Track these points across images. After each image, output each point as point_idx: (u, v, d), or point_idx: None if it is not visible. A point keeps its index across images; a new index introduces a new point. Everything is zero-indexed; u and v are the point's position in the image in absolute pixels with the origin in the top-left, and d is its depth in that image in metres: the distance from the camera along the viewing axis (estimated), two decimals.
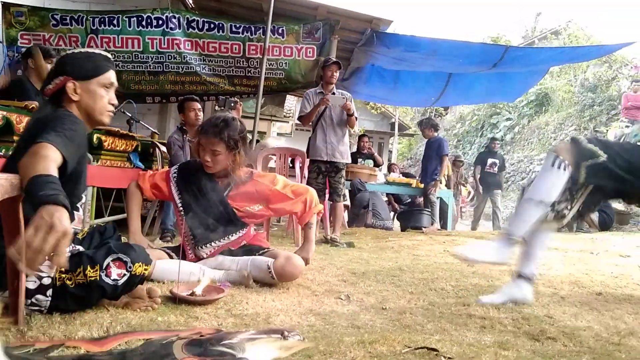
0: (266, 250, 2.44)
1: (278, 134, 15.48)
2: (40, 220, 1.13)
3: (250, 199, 2.46)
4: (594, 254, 4.21)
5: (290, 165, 5.66)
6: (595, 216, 7.69)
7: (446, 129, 22.67)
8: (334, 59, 4.84)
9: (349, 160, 4.91)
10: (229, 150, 2.37)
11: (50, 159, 1.31)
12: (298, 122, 5.23)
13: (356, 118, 4.79)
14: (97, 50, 1.79)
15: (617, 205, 9.01)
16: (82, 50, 1.76)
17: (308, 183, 4.72)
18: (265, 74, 5.95)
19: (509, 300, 2.21)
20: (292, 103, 13.68)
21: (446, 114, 23.36)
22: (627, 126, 11.00)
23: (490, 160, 9.42)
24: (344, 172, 4.83)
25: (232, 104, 4.88)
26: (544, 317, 2.04)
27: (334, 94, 4.75)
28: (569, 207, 2.22)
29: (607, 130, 12.01)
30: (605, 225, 7.60)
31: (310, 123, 4.81)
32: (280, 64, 6.53)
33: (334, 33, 6.35)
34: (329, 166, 4.70)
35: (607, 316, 2.12)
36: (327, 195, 4.86)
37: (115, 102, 1.79)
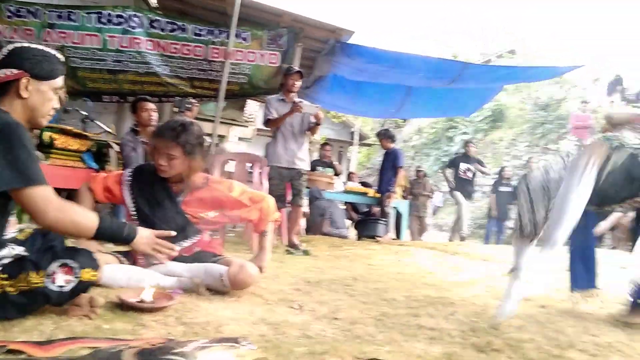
0: (220, 257, 2.41)
1: (239, 139, 15.35)
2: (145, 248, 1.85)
3: (205, 205, 2.43)
4: None
5: (249, 170, 5.62)
6: None
7: (404, 140, 23.06)
8: (297, 68, 4.86)
9: (309, 167, 4.94)
10: (185, 155, 2.33)
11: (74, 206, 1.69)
12: (260, 127, 5.23)
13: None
14: (52, 51, 1.73)
15: None
16: (39, 47, 1.70)
17: (269, 189, 4.70)
18: (228, 78, 5.91)
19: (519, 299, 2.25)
20: (253, 108, 13.60)
21: (405, 125, 23.76)
22: (575, 145, 11.54)
23: (463, 166, 8.58)
24: (306, 177, 4.85)
25: (188, 105, 4.82)
26: (490, 329, 2.11)
27: (294, 102, 4.76)
28: (530, 220, 2.30)
29: (558, 148, 12.53)
30: None
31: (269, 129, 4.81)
32: (243, 69, 6.50)
33: (297, 41, 6.38)
34: (288, 172, 4.70)
35: (549, 328, 2.21)
36: (287, 200, 4.85)
37: (58, 106, 1.75)
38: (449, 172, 8.61)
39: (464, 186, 8.47)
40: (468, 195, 8.51)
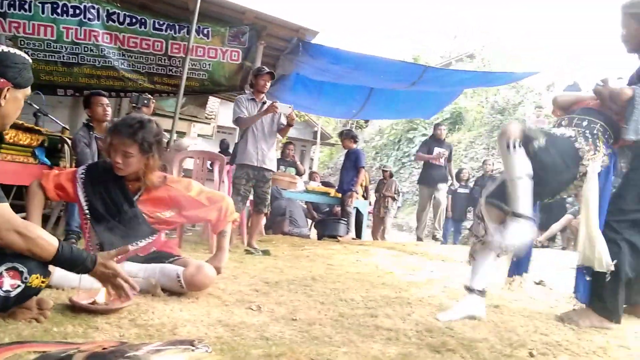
0: (177, 258, 2.37)
1: (199, 135, 15.14)
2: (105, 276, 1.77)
3: (161, 204, 2.38)
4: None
5: (209, 169, 5.55)
6: None
7: (366, 140, 23.27)
8: (267, 69, 4.82)
9: (276, 169, 4.92)
10: (142, 153, 2.28)
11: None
12: (221, 124, 5.17)
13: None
14: (27, 57, 1.65)
15: None
16: (19, 54, 1.61)
17: (234, 189, 4.66)
18: (188, 74, 5.83)
19: (465, 316, 2.30)
20: (214, 105, 13.45)
21: (366, 126, 23.97)
22: None
23: (436, 150, 7.84)
24: (271, 183, 4.82)
25: (145, 101, 4.71)
26: (445, 329, 2.15)
27: (265, 102, 4.74)
28: (483, 227, 2.35)
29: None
30: None
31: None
32: (204, 65, 6.43)
33: (260, 38, 6.35)
34: (257, 173, 4.67)
35: (502, 328, 2.26)
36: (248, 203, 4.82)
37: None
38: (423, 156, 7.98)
39: (436, 173, 7.82)
40: (442, 181, 7.93)
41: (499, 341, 2.03)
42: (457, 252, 5.68)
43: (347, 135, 7.38)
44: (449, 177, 8.44)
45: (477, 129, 16.07)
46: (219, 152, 4.84)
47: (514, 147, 2.21)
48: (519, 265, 2.68)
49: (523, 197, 2.22)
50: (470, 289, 2.39)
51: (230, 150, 9.16)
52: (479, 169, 11.98)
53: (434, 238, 8.46)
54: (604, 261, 2.30)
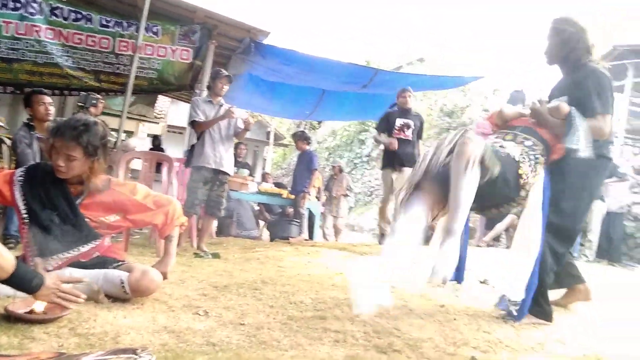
0: (121, 263, 2.30)
1: (148, 135, 14.78)
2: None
3: (106, 208, 2.30)
4: None
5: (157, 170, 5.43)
6: None
7: (319, 141, 23.36)
8: (226, 72, 4.75)
9: (232, 173, 4.87)
10: (87, 156, 2.20)
11: None
12: (171, 123, 5.07)
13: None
14: None
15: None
16: None
17: (190, 192, 4.57)
18: (136, 73, 5.68)
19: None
20: (164, 104, 13.18)
21: (319, 127, 24.07)
22: None
23: (400, 122, 5.80)
24: (227, 186, 4.76)
25: (94, 101, 4.57)
26: (392, 330, 2.19)
27: (222, 104, 4.68)
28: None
29: None
30: None
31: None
32: (153, 64, 6.29)
33: (211, 38, 6.28)
34: (214, 176, 4.60)
35: (447, 327, 2.33)
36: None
37: None
38: (384, 136, 5.85)
39: (403, 152, 5.72)
40: (409, 162, 5.64)
41: (443, 340, 2.09)
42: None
43: (300, 137, 7.40)
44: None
45: (426, 131, 16.36)
46: (151, 149, 4.71)
47: (471, 167, 2.23)
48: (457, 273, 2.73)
49: (462, 217, 2.26)
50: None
51: (163, 147, 9.00)
52: None
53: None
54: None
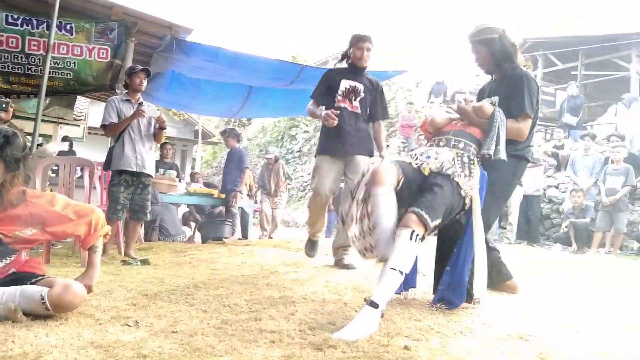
0: (40, 277, 2.16)
1: (65, 139, 14.00)
2: None
3: (21, 222, 2.14)
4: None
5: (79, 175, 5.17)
6: None
7: (249, 138, 23.17)
8: (141, 67, 4.57)
9: (154, 174, 4.69)
10: (7, 171, 2.05)
11: None
12: (92, 125, 4.83)
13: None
14: None
15: None
16: None
17: (112, 197, 4.37)
18: (50, 74, 5.37)
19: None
20: (84, 105, 12.53)
21: (249, 124, 23.87)
22: (402, 142, 12.65)
23: (346, 84, 3.88)
24: (150, 189, 4.59)
25: (3, 105, 4.27)
26: (327, 325, 2.21)
27: (141, 103, 4.50)
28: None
29: (387, 145, 13.62)
30: None
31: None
32: (68, 64, 5.95)
33: (130, 35, 6.03)
34: (136, 179, 4.42)
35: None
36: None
37: None
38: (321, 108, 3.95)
39: (346, 126, 3.81)
40: (354, 148, 3.86)
41: (377, 331, 2.13)
42: None
43: (229, 134, 7.28)
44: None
45: None
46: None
47: (417, 241, 2.27)
48: (406, 282, 2.77)
49: (392, 289, 2.29)
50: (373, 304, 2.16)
51: (75, 149, 8.59)
52: None
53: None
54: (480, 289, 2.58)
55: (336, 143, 3.82)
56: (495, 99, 2.91)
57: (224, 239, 6.49)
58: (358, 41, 3.91)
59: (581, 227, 7.43)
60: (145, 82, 4.51)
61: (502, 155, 2.64)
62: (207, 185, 8.50)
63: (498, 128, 2.64)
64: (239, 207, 7.03)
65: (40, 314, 2.02)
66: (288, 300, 2.64)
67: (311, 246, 4.05)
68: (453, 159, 2.54)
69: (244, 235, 7.24)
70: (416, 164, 2.55)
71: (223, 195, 7.00)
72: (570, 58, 12.62)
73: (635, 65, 11.35)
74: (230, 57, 6.39)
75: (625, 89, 11.98)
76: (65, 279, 2.16)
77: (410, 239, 2.24)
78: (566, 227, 7.67)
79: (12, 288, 2.03)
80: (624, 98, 10.57)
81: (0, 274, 2.12)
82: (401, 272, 2.21)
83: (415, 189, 2.46)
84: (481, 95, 3.14)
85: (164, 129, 4.47)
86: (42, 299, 1.98)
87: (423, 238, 2.29)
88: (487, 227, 2.80)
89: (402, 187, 2.42)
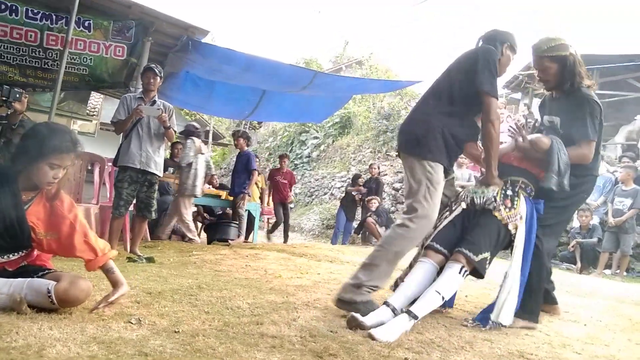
0: (48, 271, 2.18)
1: (79, 133, 14.12)
2: None
3: (45, 222, 2.16)
4: None
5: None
6: (382, 230, 8.63)
7: (259, 142, 23.21)
8: (152, 65, 4.62)
9: (162, 174, 4.71)
10: (71, 164, 2.20)
11: None
12: (104, 121, 4.88)
13: (175, 131, 4.63)
14: None
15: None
16: None
17: (116, 192, 4.41)
18: (67, 69, 5.44)
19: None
20: (97, 101, 12.65)
21: (260, 127, 23.93)
22: None
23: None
24: (156, 187, 4.62)
25: (17, 95, 4.32)
26: (328, 333, 2.21)
27: (154, 102, 4.54)
28: None
29: (397, 155, 13.62)
30: None
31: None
32: (85, 60, 6.02)
33: (147, 35, 6.09)
34: (141, 176, 4.45)
35: None
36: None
37: None
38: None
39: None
40: None
41: (377, 343, 2.14)
42: (345, 253, 5.88)
43: (240, 135, 7.31)
44: None
45: (365, 133, 16.73)
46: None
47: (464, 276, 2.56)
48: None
49: (430, 308, 2.51)
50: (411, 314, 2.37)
51: (85, 145, 8.61)
52: (365, 172, 12.43)
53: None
54: (508, 316, 2.62)
55: None
56: (557, 119, 2.88)
57: (229, 241, 6.51)
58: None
59: (588, 247, 7.37)
60: (154, 82, 4.54)
61: (566, 186, 2.68)
62: (221, 187, 8.53)
63: (558, 160, 2.68)
64: (246, 210, 7.05)
65: (46, 307, 2.04)
66: (290, 306, 2.65)
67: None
68: (497, 194, 2.69)
69: (250, 238, 7.26)
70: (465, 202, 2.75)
71: (231, 198, 7.03)
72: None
73: None
74: (245, 60, 6.43)
75: (639, 110, 11.92)
76: (72, 273, 2.18)
77: (459, 272, 2.51)
78: (572, 246, 7.62)
79: (20, 280, 2.06)
80: (637, 119, 10.50)
81: (13, 265, 2.15)
82: (443, 298, 2.47)
83: (467, 222, 2.71)
84: (542, 111, 3.11)
85: (167, 127, 4.47)
86: (49, 292, 2.01)
87: (470, 272, 2.56)
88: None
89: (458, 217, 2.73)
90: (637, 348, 2.55)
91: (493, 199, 2.67)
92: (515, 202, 2.70)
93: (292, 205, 16.05)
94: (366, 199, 9.05)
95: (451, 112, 2.68)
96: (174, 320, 2.17)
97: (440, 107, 2.70)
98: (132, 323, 2.06)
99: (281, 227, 9.26)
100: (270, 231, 9.47)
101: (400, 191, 12.42)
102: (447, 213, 2.83)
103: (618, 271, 7.07)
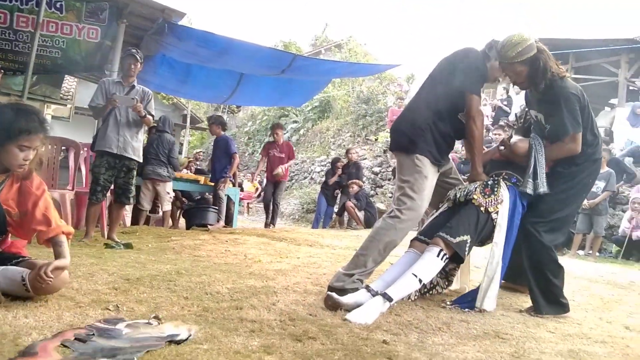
0: (22, 259, 2.15)
1: (53, 118, 13.81)
2: None
3: (17, 202, 2.13)
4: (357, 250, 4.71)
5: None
6: (361, 215, 8.68)
7: (238, 126, 23.06)
8: (132, 51, 4.52)
9: (141, 159, 4.63)
10: (42, 143, 2.15)
11: None
12: (79, 105, 4.78)
13: (153, 116, 4.56)
14: None
15: (380, 204, 10.31)
16: None
17: (93, 177, 4.34)
18: (38, 51, 5.30)
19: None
20: (71, 85, 12.35)
21: (238, 111, 23.74)
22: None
23: None
24: (135, 173, 4.55)
25: None
26: (307, 316, 2.23)
27: (133, 86, 4.46)
28: None
29: (376, 139, 13.65)
30: (369, 223, 8.63)
31: None
32: (57, 42, 5.88)
33: (122, 17, 5.96)
34: (118, 162, 4.38)
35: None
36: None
37: None
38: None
39: None
40: None
41: (356, 325, 2.16)
42: (324, 237, 5.90)
43: (215, 121, 7.20)
44: None
45: (344, 117, 16.72)
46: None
47: (443, 259, 2.60)
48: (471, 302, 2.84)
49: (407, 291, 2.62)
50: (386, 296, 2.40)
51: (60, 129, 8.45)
52: (344, 156, 12.44)
53: None
54: (491, 301, 2.65)
55: None
56: (541, 116, 2.90)
57: (208, 226, 6.47)
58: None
59: None
60: (134, 67, 4.46)
61: (543, 189, 2.73)
62: (199, 172, 8.44)
63: (535, 163, 2.74)
64: (225, 195, 7.01)
65: (21, 295, 2.01)
66: (270, 290, 2.65)
67: None
68: (478, 186, 2.78)
69: (229, 223, 7.23)
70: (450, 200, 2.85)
71: (210, 183, 6.98)
72: (560, 61, 12.63)
73: (624, 70, 11.46)
74: (223, 43, 6.34)
75: (613, 94, 12.12)
76: (47, 261, 2.14)
77: (438, 256, 2.55)
78: None
79: None
80: (614, 104, 10.68)
81: None
82: (420, 281, 2.51)
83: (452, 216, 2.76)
84: (527, 101, 3.12)
85: (142, 116, 4.39)
86: (23, 280, 1.97)
87: (450, 257, 2.61)
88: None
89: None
90: (608, 326, 2.63)
91: (473, 190, 2.75)
92: (496, 189, 2.76)
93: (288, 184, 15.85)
94: (347, 183, 9.07)
95: (437, 109, 2.76)
96: (152, 306, 2.16)
97: (427, 104, 2.80)
98: (109, 310, 2.05)
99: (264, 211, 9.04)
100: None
101: (379, 175, 12.47)
102: (435, 211, 2.97)
103: (591, 252, 7.25)
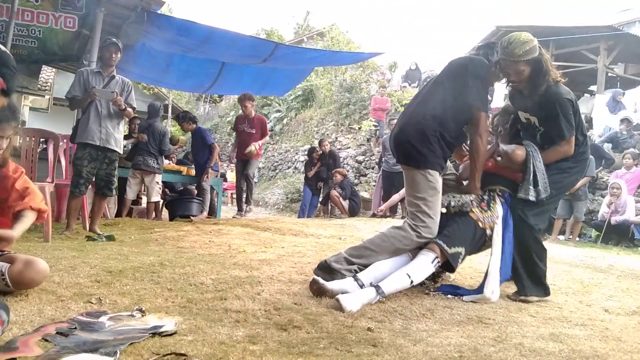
0: (1, 253, 2.11)
1: (31, 109, 13.56)
2: None
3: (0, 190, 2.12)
4: (341, 239, 4.74)
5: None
6: (346, 204, 8.71)
7: (220, 115, 22.87)
8: (113, 40, 4.43)
9: (122, 151, 4.57)
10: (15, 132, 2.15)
11: None
12: (57, 96, 4.69)
13: (134, 108, 4.49)
14: None
15: (364, 193, 10.35)
16: None
17: (75, 169, 4.27)
18: (14, 41, 5.17)
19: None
20: (49, 75, 12.11)
21: (220, 101, 23.54)
22: (374, 125, 12.67)
23: None
24: (117, 164, 4.49)
25: None
26: (292, 306, 2.24)
27: (113, 77, 4.38)
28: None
29: (360, 127, 13.65)
30: (354, 212, 8.67)
31: None
32: (33, 32, 5.75)
33: (99, 5, 5.82)
34: (100, 153, 4.31)
35: None
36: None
37: None
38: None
39: None
40: None
41: (340, 313, 2.18)
42: (309, 226, 5.90)
43: (184, 119, 7.01)
44: None
45: (327, 106, 16.68)
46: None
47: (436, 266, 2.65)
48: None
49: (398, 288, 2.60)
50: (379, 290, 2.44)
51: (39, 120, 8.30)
52: (331, 144, 12.44)
53: None
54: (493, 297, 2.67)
55: None
56: (534, 119, 2.90)
57: (191, 217, 6.43)
58: None
59: None
60: (115, 57, 4.39)
61: (545, 194, 2.76)
62: (180, 162, 8.36)
63: (534, 170, 2.76)
64: (209, 185, 6.96)
65: (1, 289, 1.98)
66: (254, 280, 2.65)
67: None
68: (473, 199, 2.83)
69: (213, 213, 7.19)
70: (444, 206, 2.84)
71: (192, 173, 6.93)
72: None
73: (603, 57, 11.59)
74: (203, 32, 6.26)
75: (593, 82, 12.25)
76: (27, 255, 2.11)
77: (432, 262, 2.61)
78: None
79: None
80: (593, 90, 10.79)
81: None
82: (412, 282, 2.55)
83: (446, 222, 2.78)
84: (513, 103, 3.07)
85: (123, 110, 4.32)
86: (2, 275, 1.94)
87: (442, 265, 2.69)
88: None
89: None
90: (588, 309, 2.68)
91: (470, 202, 2.80)
92: (492, 205, 2.82)
93: (260, 164, 15.58)
94: (330, 173, 9.07)
95: (444, 120, 2.76)
96: (135, 298, 2.15)
97: (433, 114, 2.77)
98: (92, 303, 2.03)
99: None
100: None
101: (363, 164, 12.50)
102: None
103: (571, 237, 7.37)
